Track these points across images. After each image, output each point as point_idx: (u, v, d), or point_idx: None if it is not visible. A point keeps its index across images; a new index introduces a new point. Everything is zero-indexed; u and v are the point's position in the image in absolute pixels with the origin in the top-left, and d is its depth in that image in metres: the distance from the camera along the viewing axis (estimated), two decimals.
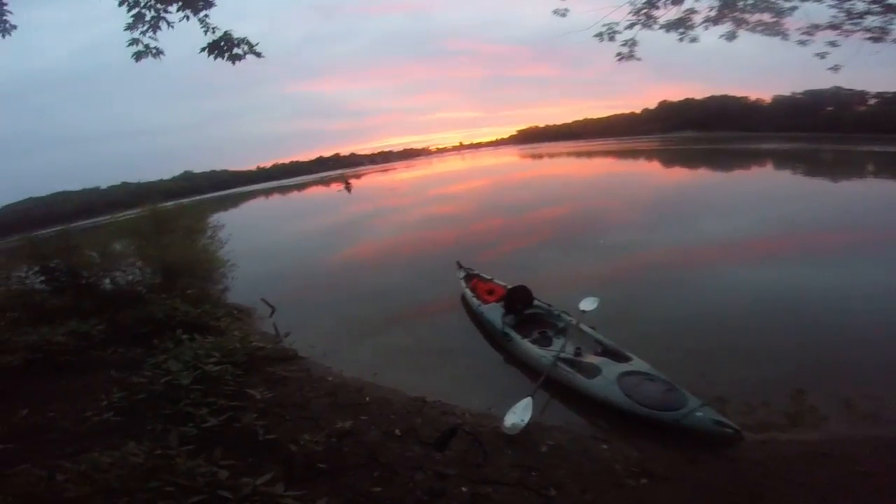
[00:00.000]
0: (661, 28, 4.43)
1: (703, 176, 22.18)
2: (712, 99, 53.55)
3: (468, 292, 6.52)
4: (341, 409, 3.77)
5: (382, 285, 8.63)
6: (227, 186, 67.45)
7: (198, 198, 55.62)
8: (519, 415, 3.41)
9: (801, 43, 4.67)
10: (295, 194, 43.47)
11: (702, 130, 49.67)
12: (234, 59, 3.65)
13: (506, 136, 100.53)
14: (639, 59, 4.65)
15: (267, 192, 49.81)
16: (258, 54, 3.69)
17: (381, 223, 16.72)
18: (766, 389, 3.92)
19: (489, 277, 6.97)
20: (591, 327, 4.83)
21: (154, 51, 3.71)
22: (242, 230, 21.24)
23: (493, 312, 5.54)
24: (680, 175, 23.04)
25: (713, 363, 4.45)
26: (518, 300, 5.51)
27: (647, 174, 24.18)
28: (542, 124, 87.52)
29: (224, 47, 3.58)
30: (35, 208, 48.61)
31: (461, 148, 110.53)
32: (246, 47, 3.64)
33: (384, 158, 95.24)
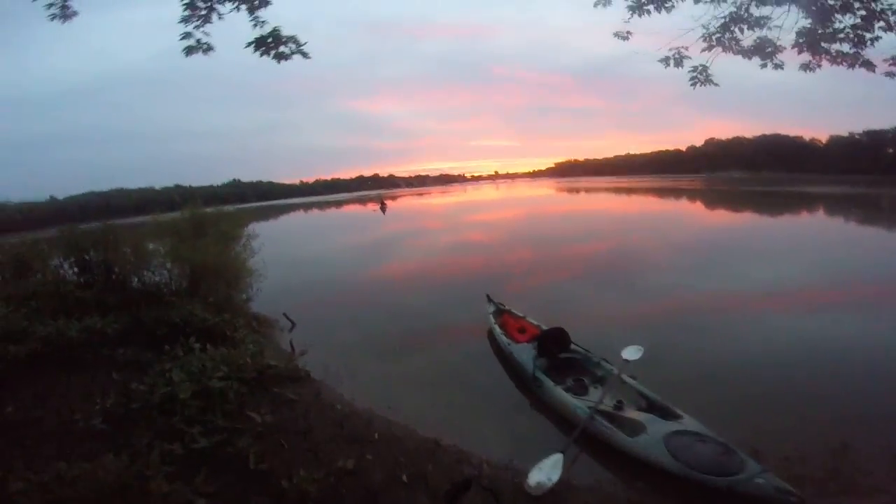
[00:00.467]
0: (740, 53, 4.04)
1: (746, 219, 20.89)
2: (764, 138, 51.43)
3: (497, 328, 6.04)
4: (346, 442, 3.39)
5: (409, 308, 8.35)
6: (270, 197, 71.05)
7: (243, 206, 58.19)
8: (546, 472, 2.95)
9: (890, 75, 4.20)
10: (332, 210, 44.59)
11: (750, 171, 47.56)
12: (280, 57, 3.53)
13: (543, 167, 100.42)
14: (716, 85, 4.23)
15: (307, 207, 51.47)
16: (305, 54, 3.56)
17: (411, 245, 16.62)
18: (823, 450, 3.40)
19: (521, 314, 6.47)
20: (632, 377, 4.27)
21: (205, 46, 3.66)
22: (278, 241, 21.87)
23: (525, 353, 5.04)
24: (722, 217, 21.77)
25: (764, 420, 3.90)
26: (553, 342, 5.01)
27: (688, 215, 23.04)
28: (581, 157, 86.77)
29: (271, 44, 3.48)
30: (95, 201, 52.33)
31: (496, 177, 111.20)
32: (293, 45, 3.53)
33: (420, 182, 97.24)
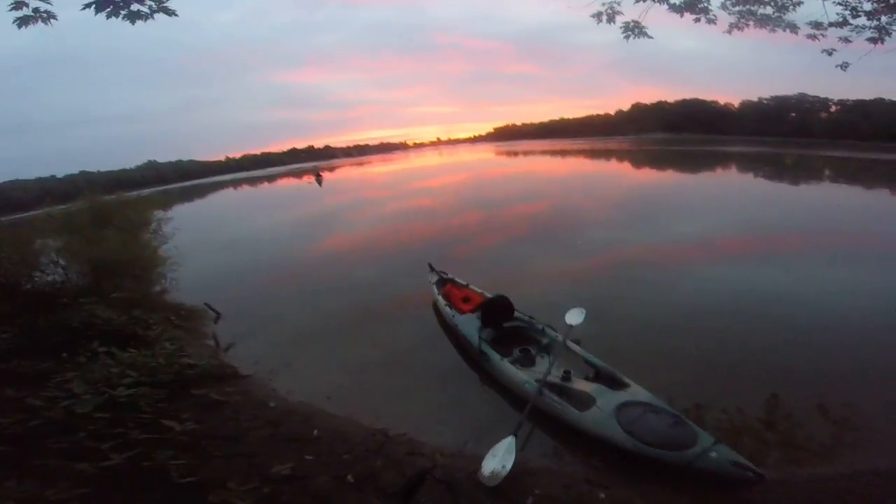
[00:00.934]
0: (672, 8, 3.97)
1: (670, 177, 22.34)
2: (683, 102, 54.86)
3: (441, 300, 5.82)
4: (283, 443, 3.10)
5: (350, 285, 7.91)
6: (193, 176, 66.22)
7: (162, 188, 53.92)
8: (500, 459, 2.82)
9: (812, 37, 4.39)
10: (264, 186, 41.68)
11: (673, 132, 50.77)
12: (134, 17, 2.87)
13: (483, 133, 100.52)
14: (650, 37, 4.15)
15: (235, 184, 47.74)
16: (169, 12, 2.93)
17: (352, 216, 15.95)
18: (769, 410, 3.56)
19: (464, 283, 6.29)
20: (577, 341, 4.28)
21: (44, 14, 2.90)
22: (204, 223, 20.13)
23: (469, 325, 4.89)
24: (649, 175, 23.10)
25: (702, 376, 4.08)
26: (497, 312, 4.87)
27: (618, 174, 24.18)
28: (519, 122, 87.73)
29: (120, 3, 2.81)
30: None
31: (439, 143, 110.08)
32: (153, 4, 2.88)
33: (360, 152, 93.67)
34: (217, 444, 3.03)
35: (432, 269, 6.86)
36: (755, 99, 46.35)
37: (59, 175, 58.10)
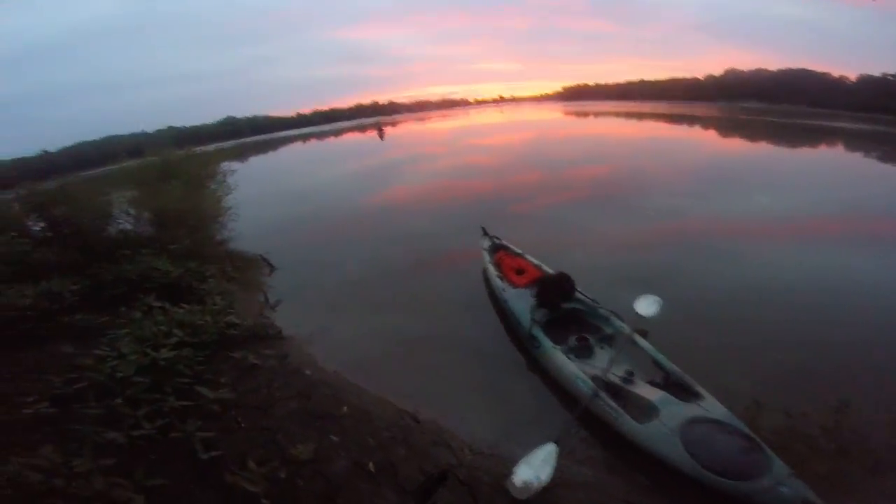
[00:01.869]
0: None
1: (762, 147, 19.57)
2: (788, 71, 47.25)
3: (491, 268, 5.35)
4: (310, 419, 3.06)
5: (402, 240, 7.77)
6: (267, 131, 69.79)
7: (238, 141, 57.38)
8: (536, 469, 2.54)
9: None
10: (331, 140, 42.64)
11: (770, 103, 44.31)
12: None
13: (551, 91, 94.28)
14: None
15: (304, 138, 49.33)
16: None
17: (410, 171, 15.83)
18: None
19: (519, 251, 5.70)
20: (642, 333, 3.69)
21: None
22: (272, 174, 21.05)
23: (521, 301, 4.40)
24: (736, 144, 20.42)
25: (782, 383, 3.45)
26: (555, 289, 4.29)
27: (703, 140, 21.62)
28: (592, 82, 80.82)
29: None
30: (88, 151, 50.57)
31: (501, 101, 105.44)
32: None
33: (421, 107, 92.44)
34: (246, 414, 3.04)
35: (485, 233, 6.35)
36: (878, 74, 38.73)
37: (150, 130, 63.27)
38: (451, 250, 6.96)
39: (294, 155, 33.13)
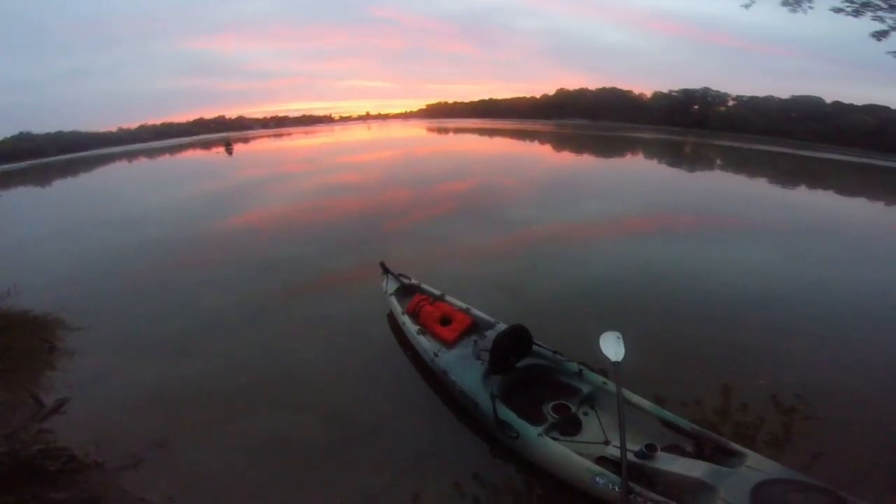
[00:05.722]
0: None
1: (586, 159, 23.71)
2: (603, 91, 58.11)
3: (408, 321, 4.07)
4: None
5: (261, 272, 6.72)
6: (79, 149, 58.40)
7: (38, 161, 45.77)
8: None
9: None
10: (166, 158, 37.04)
11: (591, 119, 53.76)
12: None
13: (415, 109, 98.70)
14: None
15: (129, 156, 41.89)
16: None
17: (272, 190, 14.63)
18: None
19: (438, 293, 4.48)
20: (618, 382, 2.73)
21: None
22: (86, 200, 17.29)
23: (466, 369, 3.30)
24: (567, 157, 24.31)
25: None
26: (510, 351, 3.32)
27: (542, 155, 25.12)
28: (451, 101, 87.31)
29: None
30: None
31: (368, 118, 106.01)
32: None
33: (278, 123, 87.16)
34: None
35: (386, 270, 4.92)
36: (666, 91, 50.40)
37: None
38: (332, 283, 6.13)
39: (116, 176, 28.07)
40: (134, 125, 74.94)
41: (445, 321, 4.04)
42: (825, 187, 15.97)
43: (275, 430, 3.27)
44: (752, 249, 7.48)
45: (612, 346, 2.90)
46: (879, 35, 4.36)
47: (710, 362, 4.02)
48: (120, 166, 34.22)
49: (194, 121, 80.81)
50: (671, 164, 21.17)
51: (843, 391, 3.62)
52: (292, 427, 3.30)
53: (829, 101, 37.90)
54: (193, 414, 3.50)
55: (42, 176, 30.23)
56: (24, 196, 20.86)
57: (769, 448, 2.89)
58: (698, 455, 2.56)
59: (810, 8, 4.28)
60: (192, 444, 3.15)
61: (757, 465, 2.37)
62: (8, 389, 3.64)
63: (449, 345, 3.76)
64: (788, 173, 19.58)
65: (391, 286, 4.76)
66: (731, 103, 45.13)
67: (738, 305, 5.21)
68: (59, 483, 2.53)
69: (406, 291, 4.71)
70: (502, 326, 3.60)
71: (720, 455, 2.53)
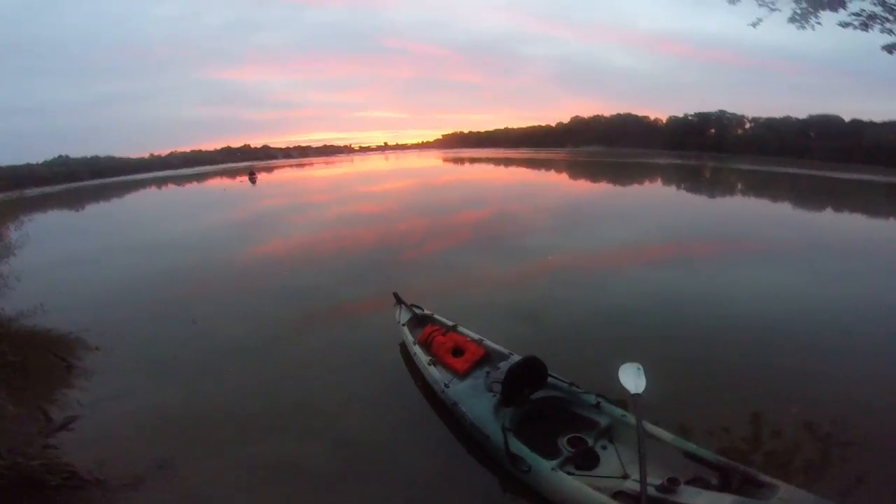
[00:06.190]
0: None
1: (602, 186, 23.64)
2: (617, 117, 58.51)
3: (419, 351, 4.06)
4: None
5: (278, 305, 6.73)
6: (111, 174, 61.33)
7: (72, 185, 48.16)
8: None
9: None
10: (193, 186, 38.55)
11: (606, 145, 53.96)
12: None
13: (431, 139, 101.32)
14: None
15: (159, 182, 43.77)
16: None
17: (295, 221, 14.90)
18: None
19: (451, 324, 4.44)
20: (640, 414, 2.57)
21: None
22: (117, 225, 18.01)
23: (477, 400, 3.26)
24: (583, 185, 24.30)
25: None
26: (524, 383, 3.27)
27: (557, 183, 25.18)
28: (466, 130, 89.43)
29: None
30: None
31: (386, 148, 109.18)
32: None
33: (301, 153, 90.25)
34: None
35: (399, 300, 4.91)
36: (681, 115, 50.45)
37: None
38: (347, 313, 6.11)
39: (146, 202, 29.18)
40: (164, 151, 78.84)
41: (458, 352, 4.00)
42: (851, 209, 15.52)
43: (283, 457, 3.23)
44: (778, 272, 7.25)
45: (632, 378, 2.73)
46: (891, 48, 4.25)
47: (737, 390, 3.84)
48: (149, 192, 35.76)
49: (222, 148, 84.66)
50: (689, 190, 20.96)
51: (883, 411, 3.45)
52: (300, 454, 3.26)
53: (847, 118, 37.00)
54: (202, 437, 3.51)
55: (75, 200, 31.66)
56: (57, 219, 21.86)
57: (802, 475, 2.76)
58: (724, 488, 2.42)
59: (818, 24, 4.21)
60: (197, 468, 3.13)
61: (789, 497, 2.21)
62: (20, 404, 3.69)
63: (461, 376, 3.73)
64: (810, 194, 19.19)
65: (404, 316, 4.77)
66: (747, 126, 44.67)
67: (766, 329, 5.02)
68: (58, 499, 2.56)
69: (419, 322, 4.70)
70: (516, 358, 3.50)
71: (748, 487, 2.37)
